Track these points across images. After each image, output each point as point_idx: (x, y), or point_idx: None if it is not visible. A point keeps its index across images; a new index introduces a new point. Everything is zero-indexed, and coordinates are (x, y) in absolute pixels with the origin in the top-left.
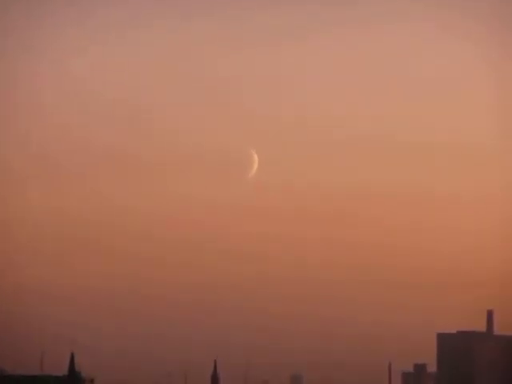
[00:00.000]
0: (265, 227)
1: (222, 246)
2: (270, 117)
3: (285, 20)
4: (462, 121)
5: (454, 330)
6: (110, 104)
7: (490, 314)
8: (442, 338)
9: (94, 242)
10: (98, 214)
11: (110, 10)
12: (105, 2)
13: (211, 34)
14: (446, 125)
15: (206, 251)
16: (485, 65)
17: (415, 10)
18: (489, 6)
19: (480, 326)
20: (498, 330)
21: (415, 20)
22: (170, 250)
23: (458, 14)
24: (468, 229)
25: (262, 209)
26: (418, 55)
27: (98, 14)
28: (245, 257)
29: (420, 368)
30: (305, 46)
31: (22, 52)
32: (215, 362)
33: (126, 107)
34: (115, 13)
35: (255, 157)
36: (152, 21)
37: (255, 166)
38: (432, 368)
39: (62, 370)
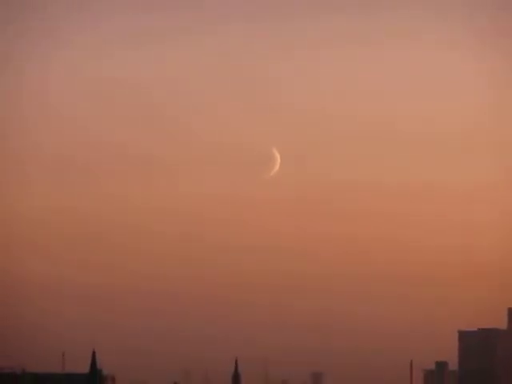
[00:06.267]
0: (286, 224)
1: (242, 243)
2: (292, 115)
3: (304, 27)
4: (463, 119)
5: (475, 328)
6: (128, 103)
7: (511, 312)
8: (464, 336)
9: (115, 241)
10: (116, 214)
11: (120, 16)
12: (114, 9)
13: (234, 32)
14: (451, 123)
15: (226, 248)
16: (482, 72)
17: (419, 25)
18: (489, 20)
19: (501, 323)
20: None
21: (419, 33)
22: (188, 247)
23: (460, 27)
24: (488, 224)
25: (283, 206)
26: (421, 63)
27: (110, 19)
28: (265, 254)
29: (441, 366)
30: (324, 50)
31: (32, 53)
32: (236, 360)
33: (145, 106)
34: (128, 18)
35: (277, 155)
36: (166, 23)
37: (277, 164)
38: (454, 366)
39: (84, 368)
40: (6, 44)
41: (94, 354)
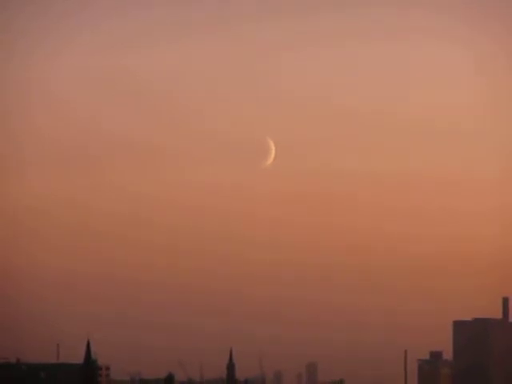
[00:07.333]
0: (282, 213)
1: (239, 234)
2: (290, 107)
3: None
4: (465, 113)
5: (469, 318)
6: (127, 93)
7: (505, 302)
8: (458, 326)
9: (112, 231)
10: (115, 204)
11: (125, 10)
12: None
13: (234, 29)
14: (452, 116)
15: (222, 239)
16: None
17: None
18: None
19: (496, 313)
20: None
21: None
22: (184, 237)
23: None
24: (485, 215)
25: (281, 195)
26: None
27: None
28: (263, 244)
29: (436, 355)
30: (322, 45)
31: (37, 48)
32: (231, 351)
33: (144, 98)
34: (133, 11)
35: (272, 145)
36: (171, 18)
37: (272, 154)
38: (448, 355)
39: (79, 359)
40: (11, 37)
41: (88, 344)
